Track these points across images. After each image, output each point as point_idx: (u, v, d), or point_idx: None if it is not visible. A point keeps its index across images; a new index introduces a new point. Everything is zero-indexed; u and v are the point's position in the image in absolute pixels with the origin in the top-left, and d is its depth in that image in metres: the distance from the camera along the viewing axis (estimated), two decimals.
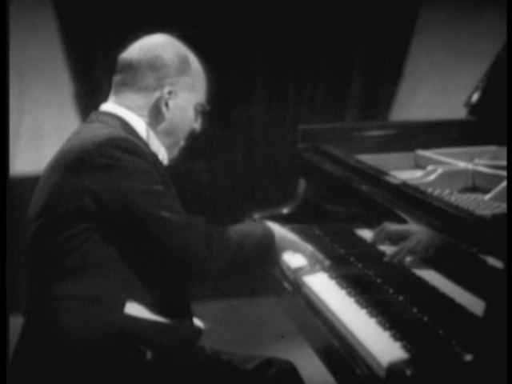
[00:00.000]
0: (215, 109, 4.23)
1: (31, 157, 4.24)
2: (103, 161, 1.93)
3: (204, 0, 4.56)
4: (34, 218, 2.00)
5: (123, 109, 2.10)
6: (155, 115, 2.11)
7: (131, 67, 2.09)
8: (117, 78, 2.13)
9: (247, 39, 4.70)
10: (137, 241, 1.95)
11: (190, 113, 2.16)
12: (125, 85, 2.11)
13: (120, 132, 2.02)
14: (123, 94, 2.10)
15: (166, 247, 1.96)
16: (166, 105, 2.09)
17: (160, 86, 2.09)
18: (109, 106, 2.12)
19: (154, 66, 2.08)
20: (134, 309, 1.95)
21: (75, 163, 1.95)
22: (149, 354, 1.93)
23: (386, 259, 2.22)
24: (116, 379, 1.92)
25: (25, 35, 4.40)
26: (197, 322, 2.14)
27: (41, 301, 1.98)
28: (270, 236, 2.19)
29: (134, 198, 1.93)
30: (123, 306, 1.93)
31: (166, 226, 1.95)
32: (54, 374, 1.93)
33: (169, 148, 2.17)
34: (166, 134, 2.14)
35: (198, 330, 2.12)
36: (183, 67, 2.11)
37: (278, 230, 2.24)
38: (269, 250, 2.20)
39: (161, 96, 2.09)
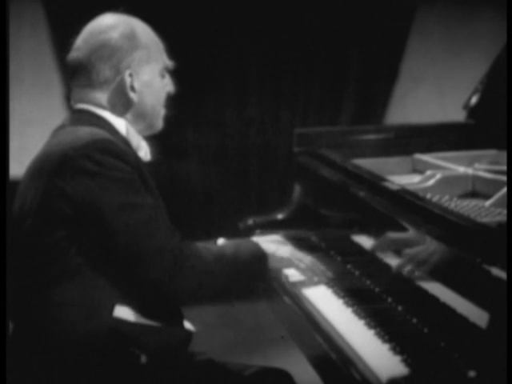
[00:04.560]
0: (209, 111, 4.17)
1: (21, 158, 4.18)
2: (84, 164, 1.86)
3: (201, 1, 4.51)
4: (18, 222, 1.95)
5: (97, 108, 2.03)
6: (124, 103, 2.04)
7: (83, 67, 2.01)
8: (74, 82, 2.05)
9: (241, 42, 4.65)
10: (108, 252, 1.89)
11: (158, 82, 2.08)
12: (85, 86, 2.02)
13: (101, 132, 1.96)
14: (87, 94, 2.02)
15: (132, 265, 1.90)
16: (132, 88, 2.02)
17: (118, 73, 2.01)
18: (84, 106, 2.04)
19: (103, 56, 1.99)
20: (123, 312, 1.91)
21: (57, 167, 1.88)
22: (143, 358, 1.89)
23: (394, 272, 2.15)
24: (112, 382, 1.88)
25: (15, 35, 4.34)
26: (187, 324, 2.10)
27: (28, 308, 1.93)
28: (260, 258, 2.14)
29: (105, 210, 1.86)
30: (111, 309, 1.89)
31: (135, 250, 1.88)
32: (47, 379, 1.88)
33: (150, 126, 2.11)
34: (142, 117, 2.07)
35: (188, 333, 2.07)
36: (133, 43, 2.02)
37: (271, 249, 2.18)
38: (259, 272, 2.14)
39: (123, 82, 2.01)
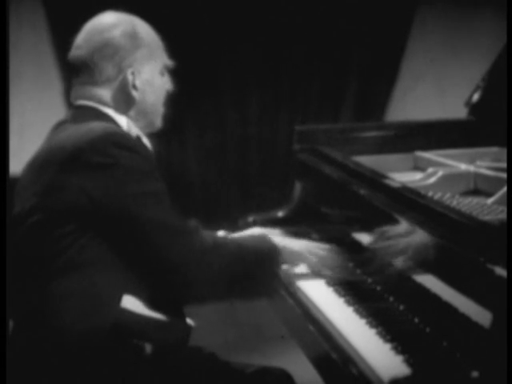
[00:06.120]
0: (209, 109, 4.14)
1: (21, 156, 4.17)
2: (100, 159, 1.86)
3: (201, 1, 4.50)
4: (22, 218, 1.93)
5: (100, 105, 2.04)
6: (126, 101, 2.05)
7: (85, 65, 2.02)
8: (76, 80, 2.06)
9: (241, 41, 4.63)
10: (130, 241, 1.90)
11: (158, 81, 2.10)
12: (87, 83, 2.04)
13: (112, 126, 1.98)
14: (90, 91, 2.03)
15: (158, 252, 1.90)
16: (134, 87, 2.04)
17: (121, 72, 2.02)
18: (86, 102, 2.04)
19: (106, 55, 2.01)
20: (130, 302, 1.90)
21: (70, 161, 1.88)
22: (148, 349, 1.90)
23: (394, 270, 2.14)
24: (115, 373, 1.88)
25: (15, 35, 4.33)
26: (188, 320, 2.09)
27: (34, 300, 1.92)
28: (274, 251, 2.13)
29: (130, 201, 1.87)
30: (119, 300, 1.89)
31: (161, 231, 1.90)
32: (51, 372, 1.88)
33: (150, 124, 2.12)
34: (144, 114, 2.09)
35: (188, 327, 2.07)
36: (135, 42, 2.03)
37: (283, 243, 2.18)
38: (272, 266, 2.13)
39: (125, 81, 2.03)
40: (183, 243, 1.92)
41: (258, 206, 3.09)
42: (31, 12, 4.45)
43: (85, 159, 1.87)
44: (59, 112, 4.42)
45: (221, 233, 2.43)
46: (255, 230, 2.45)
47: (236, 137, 4.80)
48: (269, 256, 2.12)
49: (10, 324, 2.02)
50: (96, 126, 1.94)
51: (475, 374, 1.58)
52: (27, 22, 4.46)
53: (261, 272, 2.11)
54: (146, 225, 1.88)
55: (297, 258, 2.23)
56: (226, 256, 1.99)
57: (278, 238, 2.20)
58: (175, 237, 1.91)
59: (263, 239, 2.18)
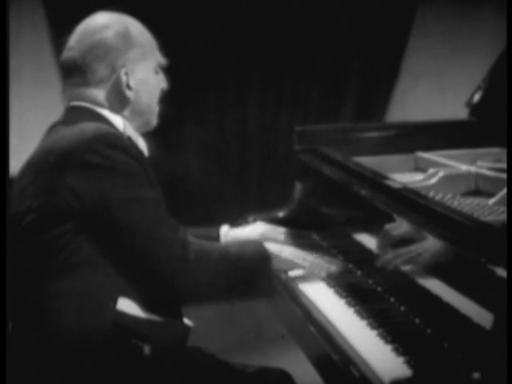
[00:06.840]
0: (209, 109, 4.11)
1: (21, 156, 4.16)
2: (93, 159, 1.86)
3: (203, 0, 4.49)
4: (19, 218, 1.94)
5: (94, 105, 2.04)
6: (121, 101, 2.06)
7: (78, 66, 2.02)
8: (69, 81, 2.06)
9: (242, 41, 4.62)
10: (117, 246, 1.90)
11: (153, 79, 2.10)
12: (80, 85, 2.04)
13: (106, 127, 1.97)
14: (84, 92, 2.04)
15: (142, 259, 1.91)
16: (128, 86, 2.04)
17: (114, 71, 2.03)
18: (81, 103, 2.04)
19: (99, 56, 2.01)
20: (125, 305, 1.90)
21: (62, 163, 1.87)
22: (147, 349, 1.89)
23: (378, 264, 2.14)
24: (114, 374, 1.88)
25: (15, 34, 4.32)
26: (185, 320, 2.09)
27: (32, 300, 1.92)
28: (264, 259, 2.14)
29: (114, 206, 1.86)
30: (115, 301, 1.89)
31: (143, 239, 1.89)
32: (50, 372, 1.88)
33: (146, 123, 2.13)
34: (139, 114, 2.09)
35: (186, 328, 2.07)
36: (128, 42, 2.04)
37: (275, 250, 2.19)
38: (262, 273, 2.14)
39: (119, 81, 2.03)
40: (166, 253, 1.91)
41: (258, 206, 3.09)
42: (31, 12, 4.43)
43: (77, 159, 1.86)
44: (59, 112, 4.39)
45: (224, 228, 2.43)
46: (258, 227, 2.46)
47: (236, 136, 4.78)
48: (260, 263, 2.13)
49: (10, 324, 2.02)
50: (87, 127, 1.94)
51: (476, 375, 1.58)
52: (27, 21, 4.44)
53: (250, 279, 2.11)
54: (128, 231, 1.88)
55: (289, 265, 2.25)
56: (212, 265, 1.99)
57: (270, 245, 2.20)
58: (159, 246, 1.90)
59: (257, 246, 2.18)
